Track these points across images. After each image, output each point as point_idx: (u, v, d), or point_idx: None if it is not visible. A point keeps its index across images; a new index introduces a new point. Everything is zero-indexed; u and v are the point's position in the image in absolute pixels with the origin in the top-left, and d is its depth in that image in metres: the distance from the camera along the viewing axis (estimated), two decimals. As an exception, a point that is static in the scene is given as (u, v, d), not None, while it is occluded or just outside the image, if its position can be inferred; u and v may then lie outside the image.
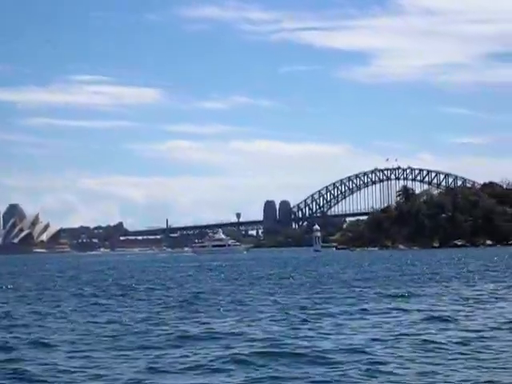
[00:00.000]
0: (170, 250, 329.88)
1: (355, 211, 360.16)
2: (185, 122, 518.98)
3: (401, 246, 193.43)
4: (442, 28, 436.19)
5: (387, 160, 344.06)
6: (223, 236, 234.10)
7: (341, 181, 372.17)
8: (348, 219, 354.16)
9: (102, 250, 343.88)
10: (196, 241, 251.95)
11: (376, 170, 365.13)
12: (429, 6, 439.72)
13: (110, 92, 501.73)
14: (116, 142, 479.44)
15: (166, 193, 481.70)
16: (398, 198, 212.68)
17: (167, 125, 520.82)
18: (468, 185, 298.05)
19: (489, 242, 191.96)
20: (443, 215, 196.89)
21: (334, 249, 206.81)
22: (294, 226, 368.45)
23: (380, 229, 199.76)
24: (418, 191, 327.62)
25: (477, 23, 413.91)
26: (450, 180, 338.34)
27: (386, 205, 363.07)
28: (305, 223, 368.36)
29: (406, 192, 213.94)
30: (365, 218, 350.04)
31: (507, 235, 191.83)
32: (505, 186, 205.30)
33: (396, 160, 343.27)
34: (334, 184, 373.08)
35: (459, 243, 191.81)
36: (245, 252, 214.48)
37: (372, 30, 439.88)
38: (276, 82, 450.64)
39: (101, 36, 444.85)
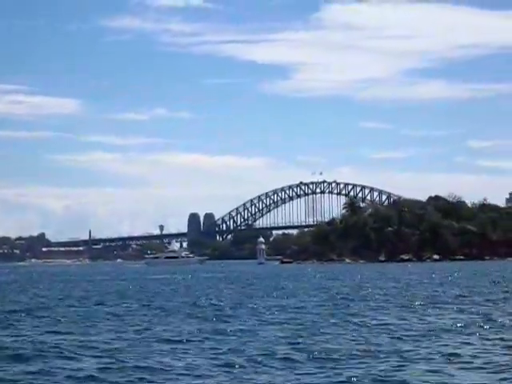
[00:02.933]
0: (93, 261, 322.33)
1: (280, 224, 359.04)
2: (106, 134, 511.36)
3: (347, 260, 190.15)
4: (362, 43, 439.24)
5: (313, 174, 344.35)
6: (176, 248, 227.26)
7: (266, 194, 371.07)
8: (274, 232, 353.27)
9: (33, 260, 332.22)
10: (149, 252, 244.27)
11: (301, 183, 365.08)
12: (348, 21, 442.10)
13: (29, 102, 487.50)
14: (35, 152, 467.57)
15: (86, 204, 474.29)
16: (344, 211, 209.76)
17: (88, 136, 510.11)
18: (393, 199, 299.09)
19: (435, 256, 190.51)
20: (389, 228, 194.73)
21: (279, 262, 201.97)
22: (218, 238, 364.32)
23: (326, 242, 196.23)
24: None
25: (397, 39, 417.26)
26: (375, 194, 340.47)
27: (314, 218, 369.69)
28: (229, 236, 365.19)
29: (351, 205, 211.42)
30: (292, 231, 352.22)
31: (454, 249, 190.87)
32: (450, 200, 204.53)
33: (321, 174, 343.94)
34: (258, 197, 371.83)
35: (406, 257, 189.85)
36: (198, 264, 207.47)
37: (293, 44, 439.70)
38: (197, 94, 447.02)
39: (19, 45, 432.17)
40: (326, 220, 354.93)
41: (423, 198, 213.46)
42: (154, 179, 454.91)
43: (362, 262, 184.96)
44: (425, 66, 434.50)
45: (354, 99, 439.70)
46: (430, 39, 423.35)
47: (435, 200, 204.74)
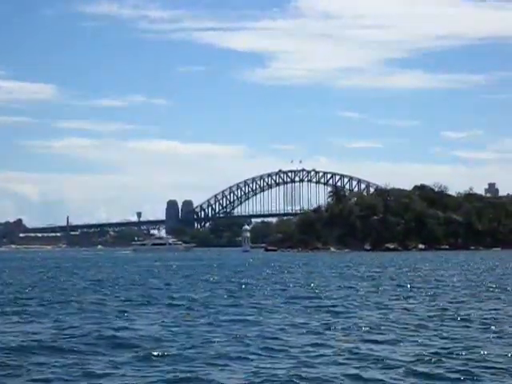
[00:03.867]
0: (71, 247, 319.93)
1: (259, 212, 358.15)
2: (81, 120, 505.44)
3: (332, 249, 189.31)
4: (339, 32, 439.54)
5: (292, 162, 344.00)
6: (163, 234, 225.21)
7: (244, 182, 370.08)
8: (253, 220, 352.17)
9: (12, 246, 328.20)
10: (136, 239, 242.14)
11: (280, 171, 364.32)
12: (326, 9, 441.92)
13: (4, 87, 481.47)
14: (10, 138, 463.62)
15: (62, 190, 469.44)
16: (329, 199, 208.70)
17: (63, 122, 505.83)
18: (371, 188, 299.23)
19: (421, 245, 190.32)
20: (375, 217, 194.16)
21: (263, 250, 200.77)
22: (196, 226, 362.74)
23: (311, 230, 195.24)
24: (321, 194, 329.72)
25: (374, 29, 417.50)
26: (354, 183, 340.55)
27: (293, 207, 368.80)
28: (207, 224, 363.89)
29: (337, 193, 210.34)
30: (271, 219, 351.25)
31: (439, 239, 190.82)
32: (436, 189, 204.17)
33: (301, 162, 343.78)
34: (237, 185, 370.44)
35: (391, 246, 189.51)
36: (185, 251, 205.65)
37: (270, 32, 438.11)
38: (174, 81, 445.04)
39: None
40: (305, 208, 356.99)
41: (400, 187, 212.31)
42: (130, 166, 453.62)
43: (347, 250, 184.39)
44: (402, 56, 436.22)
45: (331, 88, 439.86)
46: (407, 29, 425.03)
47: (420, 189, 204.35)
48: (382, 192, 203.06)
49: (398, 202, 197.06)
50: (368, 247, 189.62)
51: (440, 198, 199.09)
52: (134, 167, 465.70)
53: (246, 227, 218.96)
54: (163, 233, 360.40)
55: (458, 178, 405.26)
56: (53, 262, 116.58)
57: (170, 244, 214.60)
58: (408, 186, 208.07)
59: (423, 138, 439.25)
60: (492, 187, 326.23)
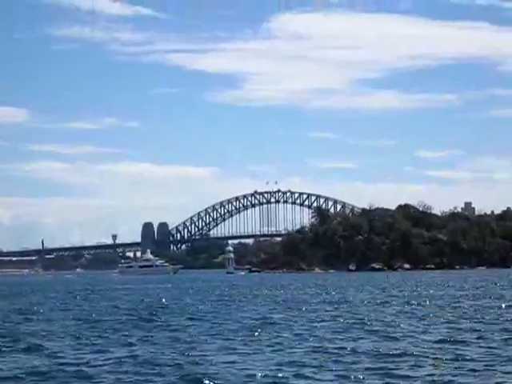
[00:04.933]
0: (46, 271, 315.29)
1: (235, 234, 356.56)
2: (53, 143, 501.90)
3: (317, 270, 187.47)
4: (311, 53, 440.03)
5: (267, 183, 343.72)
6: (150, 256, 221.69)
7: (220, 203, 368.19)
8: (231, 242, 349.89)
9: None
10: (122, 261, 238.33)
11: (256, 192, 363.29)
12: (298, 30, 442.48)
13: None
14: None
15: (35, 214, 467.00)
16: (313, 220, 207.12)
17: (36, 145, 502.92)
18: (347, 209, 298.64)
19: (406, 265, 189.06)
20: (359, 237, 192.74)
21: (248, 271, 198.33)
22: (172, 247, 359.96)
23: (295, 251, 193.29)
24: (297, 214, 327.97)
25: (346, 49, 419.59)
26: (330, 203, 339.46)
27: (271, 228, 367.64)
28: (183, 245, 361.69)
29: (320, 213, 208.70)
30: (248, 240, 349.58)
31: (425, 258, 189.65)
32: (420, 209, 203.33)
33: (276, 183, 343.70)
34: (213, 206, 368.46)
35: (377, 266, 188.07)
36: (172, 273, 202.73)
37: (243, 54, 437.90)
38: (146, 104, 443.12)
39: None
40: (282, 229, 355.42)
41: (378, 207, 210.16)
42: (104, 189, 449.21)
43: (332, 271, 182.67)
44: (374, 77, 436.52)
45: (304, 109, 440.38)
46: (379, 49, 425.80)
47: (404, 208, 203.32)
48: (366, 212, 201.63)
49: (382, 221, 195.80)
50: (353, 267, 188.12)
51: (424, 218, 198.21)
52: (108, 190, 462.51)
53: (230, 248, 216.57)
54: (138, 254, 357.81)
55: (432, 197, 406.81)
56: (64, 287, 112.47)
57: (157, 266, 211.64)
58: (384, 206, 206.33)
59: (397, 158, 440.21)
60: (468, 206, 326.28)
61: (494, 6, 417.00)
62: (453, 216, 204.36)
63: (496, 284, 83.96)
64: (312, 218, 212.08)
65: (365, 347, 25.46)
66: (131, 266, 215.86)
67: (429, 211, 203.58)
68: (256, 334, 30.36)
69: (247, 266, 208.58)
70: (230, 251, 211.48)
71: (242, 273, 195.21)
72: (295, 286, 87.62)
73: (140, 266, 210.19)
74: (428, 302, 50.48)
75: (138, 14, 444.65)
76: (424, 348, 25.20)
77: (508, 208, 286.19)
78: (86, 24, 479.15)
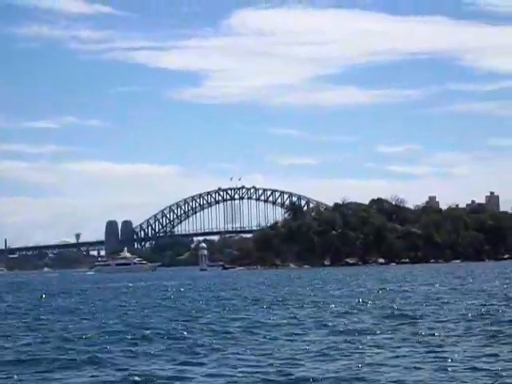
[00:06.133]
0: (9, 271, 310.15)
1: (199, 231, 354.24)
2: (16, 142, 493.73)
3: (291, 265, 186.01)
4: (273, 49, 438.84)
5: (231, 179, 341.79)
6: (128, 254, 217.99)
7: (184, 200, 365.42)
8: (196, 239, 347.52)
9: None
10: (99, 259, 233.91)
11: (220, 189, 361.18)
12: (259, 27, 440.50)
13: None
14: None
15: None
16: (286, 215, 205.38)
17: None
18: (312, 205, 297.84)
19: (381, 260, 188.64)
20: (333, 232, 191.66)
21: (222, 268, 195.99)
22: (136, 245, 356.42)
23: (269, 247, 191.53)
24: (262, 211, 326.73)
25: (308, 45, 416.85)
26: (295, 199, 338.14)
27: (235, 224, 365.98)
28: (147, 243, 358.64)
29: (294, 208, 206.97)
30: (213, 237, 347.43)
31: (399, 253, 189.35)
32: (394, 203, 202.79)
33: (240, 179, 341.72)
34: (177, 204, 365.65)
35: (351, 261, 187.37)
36: (151, 271, 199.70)
37: (203, 51, 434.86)
38: (107, 102, 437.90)
39: None
40: (245, 226, 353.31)
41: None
42: (66, 188, 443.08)
43: (306, 266, 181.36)
44: (335, 73, 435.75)
45: (266, 105, 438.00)
46: (340, 45, 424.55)
47: (378, 203, 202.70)
48: (338, 206, 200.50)
49: (356, 216, 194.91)
50: (327, 262, 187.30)
51: (398, 212, 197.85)
52: (70, 189, 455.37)
53: (203, 245, 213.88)
54: (102, 253, 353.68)
55: (393, 192, 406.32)
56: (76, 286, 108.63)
57: (134, 264, 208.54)
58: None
59: (358, 154, 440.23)
60: (432, 200, 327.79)
61: (453, 0, 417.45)
62: (426, 209, 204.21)
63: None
64: (285, 213, 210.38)
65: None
66: (108, 265, 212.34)
67: (402, 205, 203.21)
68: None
69: (220, 263, 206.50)
70: (203, 248, 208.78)
71: (216, 270, 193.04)
72: (308, 282, 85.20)
73: (117, 264, 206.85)
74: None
75: (97, 11, 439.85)
76: None
77: (473, 201, 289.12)
78: (46, 22, 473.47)
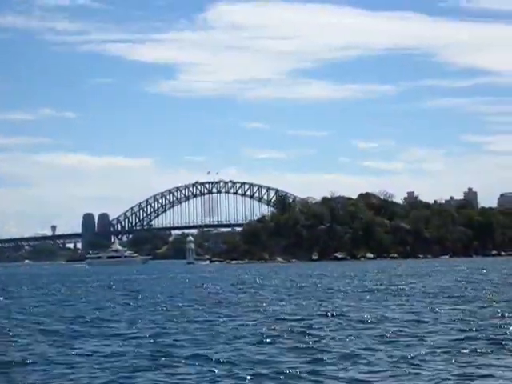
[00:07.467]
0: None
1: (177, 225, 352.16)
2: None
3: (279, 259, 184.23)
4: (246, 43, 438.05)
5: (208, 173, 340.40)
6: (119, 247, 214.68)
7: (161, 194, 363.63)
8: (173, 232, 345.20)
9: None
10: (90, 252, 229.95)
11: (197, 183, 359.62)
12: (233, 20, 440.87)
13: None
14: None
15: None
16: (273, 209, 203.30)
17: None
18: (289, 199, 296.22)
19: (369, 254, 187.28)
20: (322, 226, 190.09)
21: (208, 262, 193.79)
22: (113, 239, 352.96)
23: (256, 241, 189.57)
24: (240, 205, 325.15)
25: (281, 39, 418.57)
26: (272, 193, 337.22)
27: (213, 218, 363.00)
28: (124, 237, 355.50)
29: (282, 202, 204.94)
30: (192, 231, 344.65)
31: (387, 247, 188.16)
32: (382, 197, 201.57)
33: (217, 173, 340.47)
34: (154, 197, 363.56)
35: (339, 256, 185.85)
36: (142, 264, 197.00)
37: (178, 44, 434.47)
38: (83, 94, 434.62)
39: None
40: (223, 220, 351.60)
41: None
42: (40, 179, 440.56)
43: (294, 261, 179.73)
44: (309, 67, 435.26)
45: (240, 99, 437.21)
46: (314, 40, 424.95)
47: (366, 197, 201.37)
48: (326, 200, 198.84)
49: (344, 210, 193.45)
50: (315, 257, 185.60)
51: (386, 206, 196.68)
52: (45, 181, 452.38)
53: (191, 238, 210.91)
54: (79, 245, 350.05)
55: (368, 188, 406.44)
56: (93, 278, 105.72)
57: (125, 257, 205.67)
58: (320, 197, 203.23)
59: (332, 149, 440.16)
60: (411, 195, 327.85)
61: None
62: (414, 204, 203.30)
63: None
64: (273, 206, 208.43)
65: None
66: (100, 257, 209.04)
67: (390, 199, 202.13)
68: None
69: (207, 257, 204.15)
70: (190, 241, 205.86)
71: (204, 263, 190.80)
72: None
73: (108, 257, 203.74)
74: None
75: (73, 3, 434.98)
76: None
77: (451, 197, 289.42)
78: (21, 13, 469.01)
